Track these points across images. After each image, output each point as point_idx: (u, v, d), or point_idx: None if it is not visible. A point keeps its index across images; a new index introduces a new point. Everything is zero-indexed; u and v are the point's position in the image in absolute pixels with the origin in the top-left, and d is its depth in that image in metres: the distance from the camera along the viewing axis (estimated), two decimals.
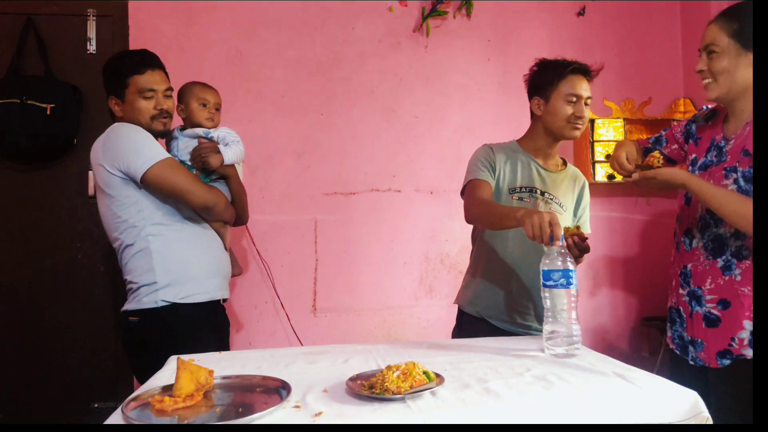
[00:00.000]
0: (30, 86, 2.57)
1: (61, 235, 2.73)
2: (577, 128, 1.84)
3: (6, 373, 2.67)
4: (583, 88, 1.84)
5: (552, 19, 3.11)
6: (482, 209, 1.73)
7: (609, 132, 3.01)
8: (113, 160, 1.76)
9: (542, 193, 1.85)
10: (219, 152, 1.91)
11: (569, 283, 1.38)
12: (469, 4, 2.99)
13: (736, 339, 1.50)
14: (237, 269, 2.10)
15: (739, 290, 1.50)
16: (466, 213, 1.79)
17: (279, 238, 2.84)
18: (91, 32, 2.75)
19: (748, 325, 1.48)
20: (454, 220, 2.90)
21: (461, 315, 2.00)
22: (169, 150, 1.95)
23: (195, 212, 1.86)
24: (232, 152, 1.93)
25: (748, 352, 1.47)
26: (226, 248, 1.97)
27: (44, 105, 2.54)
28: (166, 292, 1.76)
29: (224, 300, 1.95)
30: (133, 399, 1.11)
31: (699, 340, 1.58)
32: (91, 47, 2.75)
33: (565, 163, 1.99)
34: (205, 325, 1.82)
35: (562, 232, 1.44)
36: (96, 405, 2.72)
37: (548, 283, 1.40)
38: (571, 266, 1.39)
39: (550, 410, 1.05)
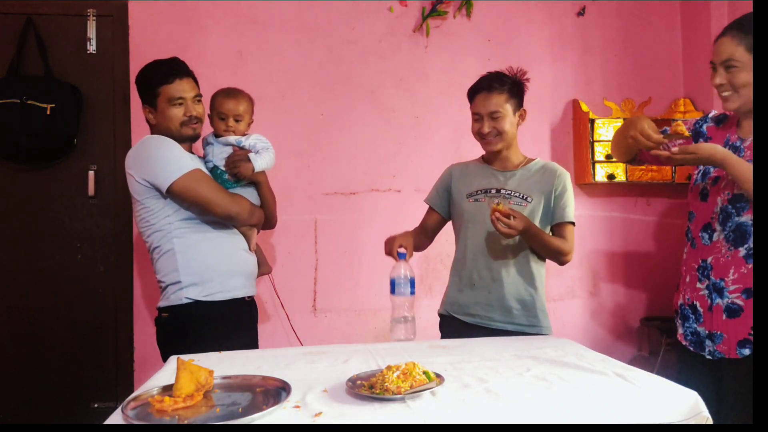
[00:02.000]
0: (30, 86, 2.57)
1: (61, 235, 2.73)
2: (487, 143, 1.98)
3: (6, 373, 2.68)
4: (483, 105, 1.94)
5: (552, 19, 3.11)
6: None
7: (609, 132, 3.00)
8: (141, 171, 1.84)
9: (498, 191, 1.99)
10: (250, 161, 1.97)
11: (392, 291, 1.75)
12: (469, 4, 2.99)
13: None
14: (266, 268, 2.19)
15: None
16: None
17: (279, 238, 2.84)
18: (91, 32, 2.75)
19: None
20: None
21: (440, 319, 2.10)
22: (204, 155, 2.03)
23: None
24: (262, 160, 1.99)
25: None
26: (250, 249, 2.03)
27: (44, 105, 2.55)
28: (190, 290, 1.85)
29: (250, 297, 2.02)
30: (133, 399, 1.11)
31: (718, 333, 1.59)
32: (91, 47, 2.75)
33: (532, 160, 2.06)
34: (229, 322, 1.90)
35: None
36: (96, 405, 2.72)
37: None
38: (394, 276, 1.75)
39: (550, 410, 1.05)
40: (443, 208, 2.11)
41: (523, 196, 1.96)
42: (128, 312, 2.74)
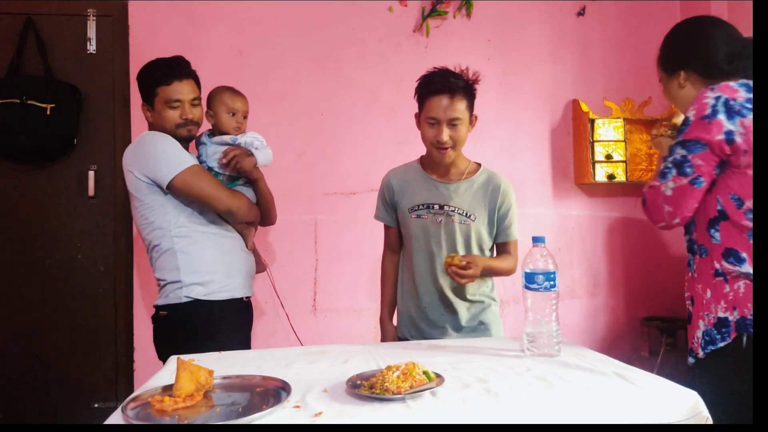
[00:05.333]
0: (30, 86, 2.57)
1: (61, 235, 2.73)
2: (442, 153, 1.79)
3: (6, 373, 2.68)
4: (443, 108, 1.74)
5: (552, 19, 3.11)
6: (381, 280, 2.03)
7: (609, 132, 3.01)
8: (141, 167, 1.83)
9: (441, 207, 1.85)
10: (251, 155, 1.96)
11: (552, 286, 1.39)
12: (469, 4, 3.00)
13: (695, 337, 1.47)
14: (261, 266, 2.17)
15: (695, 287, 1.48)
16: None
17: (279, 238, 2.84)
18: (91, 32, 2.75)
19: (701, 324, 1.44)
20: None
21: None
22: (198, 155, 2.01)
23: (219, 216, 1.93)
24: (263, 156, 1.99)
25: (700, 352, 1.44)
26: (248, 248, 2.03)
27: (44, 105, 2.55)
28: (190, 289, 1.85)
29: (248, 297, 2.01)
30: (133, 399, 1.11)
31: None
32: (91, 47, 2.75)
33: (477, 169, 1.92)
34: (227, 321, 1.90)
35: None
36: (96, 405, 2.72)
37: (531, 285, 1.39)
38: (553, 268, 1.40)
39: (550, 410, 1.05)
40: (395, 221, 1.96)
41: (467, 214, 1.84)
42: (128, 312, 2.74)
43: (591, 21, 3.14)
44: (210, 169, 1.97)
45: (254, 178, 2.03)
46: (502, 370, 1.31)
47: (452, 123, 1.75)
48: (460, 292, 1.87)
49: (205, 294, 1.86)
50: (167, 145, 1.85)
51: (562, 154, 3.12)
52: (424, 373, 1.15)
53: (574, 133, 3.11)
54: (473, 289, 1.88)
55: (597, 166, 2.99)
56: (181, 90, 1.89)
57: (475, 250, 1.87)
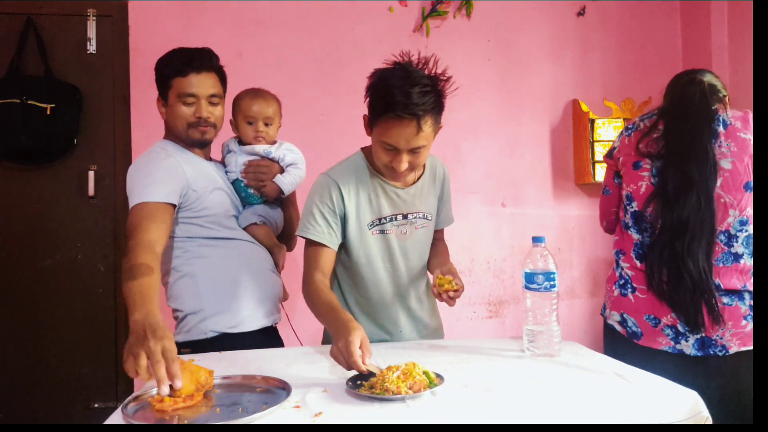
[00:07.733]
0: (30, 86, 2.57)
1: (61, 235, 2.73)
2: (396, 178, 1.55)
3: (6, 373, 2.68)
4: (405, 138, 1.41)
5: (552, 19, 3.11)
6: (310, 300, 1.49)
7: (609, 132, 3.00)
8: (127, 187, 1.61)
9: (405, 216, 1.61)
10: (275, 182, 1.76)
11: (552, 286, 1.38)
12: (469, 4, 3.00)
13: None
14: (285, 294, 1.90)
15: None
16: (302, 285, 1.54)
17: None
18: (91, 32, 2.75)
19: None
20: (454, 220, 2.92)
21: None
22: (225, 164, 1.80)
23: (243, 230, 1.71)
24: (291, 179, 1.77)
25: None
26: (279, 270, 1.82)
27: (44, 105, 2.54)
28: (215, 321, 1.61)
29: (276, 324, 1.80)
30: (133, 399, 1.11)
31: None
32: (91, 47, 2.76)
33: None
34: None
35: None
36: (96, 405, 2.72)
37: (531, 286, 1.39)
38: (553, 268, 1.39)
39: (550, 410, 1.05)
40: (336, 242, 1.56)
41: (425, 216, 1.66)
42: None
43: (591, 21, 3.14)
44: (238, 180, 1.75)
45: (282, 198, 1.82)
46: (502, 370, 1.31)
47: (414, 151, 1.45)
48: (422, 303, 1.73)
49: (233, 326, 1.61)
50: (149, 169, 1.58)
51: (562, 154, 3.12)
52: (424, 373, 1.15)
53: (574, 133, 3.11)
54: (428, 301, 1.76)
55: (597, 166, 2.99)
56: (198, 83, 1.64)
57: (429, 248, 1.73)
